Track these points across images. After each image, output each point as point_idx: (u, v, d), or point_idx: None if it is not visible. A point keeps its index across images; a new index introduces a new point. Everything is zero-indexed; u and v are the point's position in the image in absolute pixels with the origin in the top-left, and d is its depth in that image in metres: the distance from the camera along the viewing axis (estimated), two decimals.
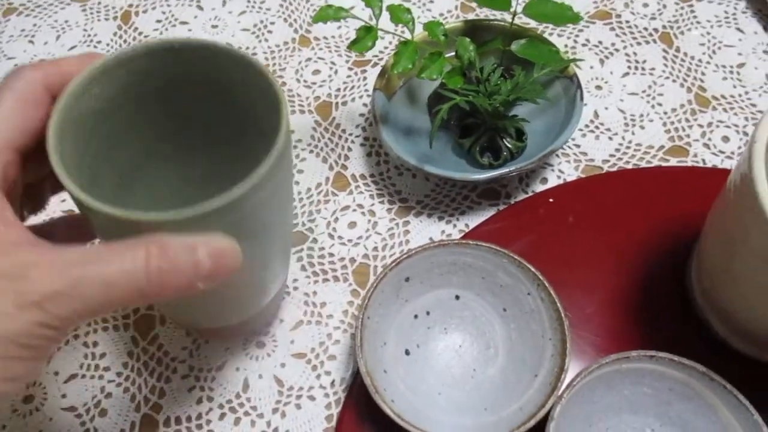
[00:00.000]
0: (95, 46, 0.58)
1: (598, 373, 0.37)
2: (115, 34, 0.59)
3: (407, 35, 0.44)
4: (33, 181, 0.31)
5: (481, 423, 0.38)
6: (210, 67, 0.33)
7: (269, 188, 0.29)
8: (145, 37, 0.58)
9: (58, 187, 0.32)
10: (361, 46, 0.41)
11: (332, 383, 0.42)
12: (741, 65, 0.54)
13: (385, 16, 0.44)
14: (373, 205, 0.49)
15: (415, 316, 0.42)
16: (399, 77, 0.49)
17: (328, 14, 0.41)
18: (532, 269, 0.40)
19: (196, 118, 0.36)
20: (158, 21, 0.59)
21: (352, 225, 0.48)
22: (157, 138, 0.36)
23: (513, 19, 0.46)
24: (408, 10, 0.44)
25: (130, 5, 0.60)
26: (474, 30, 0.50)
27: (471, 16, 0.58)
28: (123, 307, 0.27)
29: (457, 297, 0.42)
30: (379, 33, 0.43)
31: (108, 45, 0.58)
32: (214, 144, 0.38)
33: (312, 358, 0.43)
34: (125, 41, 0.58)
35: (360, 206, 0.49)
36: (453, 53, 0.47)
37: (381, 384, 0.37)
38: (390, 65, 0.43)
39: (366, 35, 0.42)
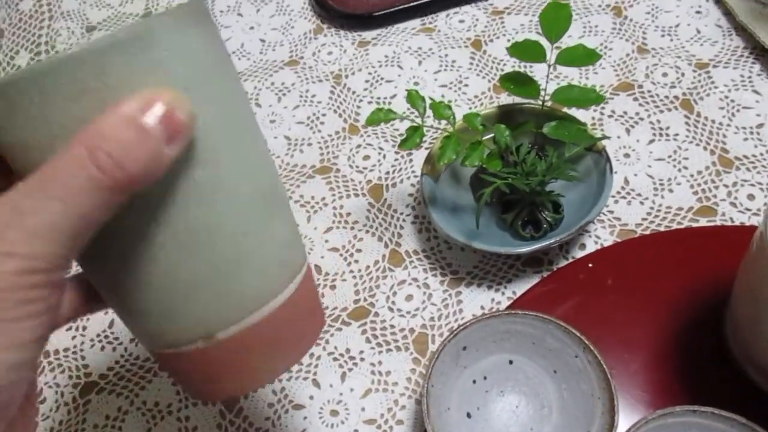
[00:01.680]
0: None
1: (645, 429, 0.41)
2: None
3: (445, 125, 0.50)
4: None
5: None
6: None
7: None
8: None
9: None
10: (410, 144, 0.47)
11: None
12: (760, 125, 0.58)
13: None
14: (427, 278, 0.54)
15: (474, 381, 0.46)
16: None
17: (379, 117, 0.47)
18: (578, 334, 0.44)
19: None
20: None
21: (409, 298, 0.53)
22: None
23: (543, 105, 0.52)
24: (448, 106, 0.50)
25: None
26: (507, 113, 0.55)
27: (503, 96, 0.63)
28: (106, 217, 0.23)
29: (511, 362, 0.47)
30: (425, 128, 0.49)
31: None
32: None
33: (382, 424, 0.48)
34: None
35: (415, 280, 0.54)
36: (490, 135, 0.53)
37: None
38: (436, 157, 0.49)
39: (414, 134, 0.47)
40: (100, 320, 0.55)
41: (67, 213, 0.22)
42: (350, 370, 0.50)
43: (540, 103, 0.52)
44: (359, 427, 0.48)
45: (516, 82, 0.52)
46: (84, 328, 0.55)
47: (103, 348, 0.54)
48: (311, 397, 0.49)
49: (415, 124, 0.48)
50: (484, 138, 0.52)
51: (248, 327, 0.27)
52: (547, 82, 0.51)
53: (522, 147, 0.51)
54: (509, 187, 0.50)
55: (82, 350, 0.54)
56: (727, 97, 0.60)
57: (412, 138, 0.47)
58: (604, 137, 0.52)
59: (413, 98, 0.48)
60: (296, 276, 0.29)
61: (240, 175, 0.26)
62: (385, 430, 0.47)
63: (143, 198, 0.24)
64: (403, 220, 0.57)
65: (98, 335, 0.55)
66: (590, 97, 0.51)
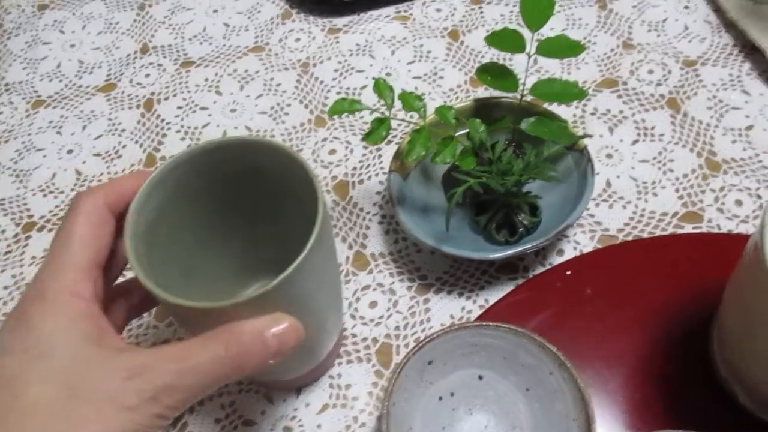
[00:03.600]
0: (120, 134, 0.61)
1: None
2: (138, 121, 0.61)
3: (416, 118, 0.46)
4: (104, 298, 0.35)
5: None
6: (246, 158, 0.38)
7: (311, 268, 0.33)
8: (167, 123, 0.61)
9: (134, 312, 0.38)
10: (376, 137, 0.43)
11: None
12: (749, 127, 0.55)
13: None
14: (393, 283, 0.50)
15: (440, 398, 0.42)
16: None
17: (342, 107, 0.43)
18: (553, 349, 0.40)
19: (241, 203, 0.41)
20: (179, 107, 0.62)
21: (373, 304, 0.49)
22: (209, 226, 0.41)
23: (521, 100, 0.48)
24: (419, 97, 0.46)
25: (152, 93, 0.63)
26: (483, 108, 0.51)
27: (480, 90, 0.59)
28: (213, 389, 0.32)
29: (480, 377, 0.43)
30: (393, 121, 0.45)
31: (132, 133, 0.61)
32: (260, 224, 0.43)
33: None
34: (148, 128, 0.61)
35: (380, 285, 0.50)
36: (464, 131, 0.49)
37: None
38: (405, 152, 0.45)
39: (379, 126, 0.43)
40: None
41: (201, 384, 0.30)
42: (307, 384, 0.46)
43: (518, 97, 0.48)
44: None
45: (493, 74, 0.48)
46: None
47: None
48: (263, 413, 0.45)
49: (381, 116, 0.44)
50: (457, 134, 0.48)
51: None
52: (526, 74, 0.48)
53: (498, 144, 0.47)
54: (483, 187, 0.46)
55: None
56: (715, 97, 0.57)
57: (377, 130, 0.43)
58: (586, 136, 0.48)
59: (380, 87, 0.44)
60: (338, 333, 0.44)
61: (323, 303, 0.38)
62: None
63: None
64: (369, 220, 0.53)
65: None
66: (572, 92, 0.47)
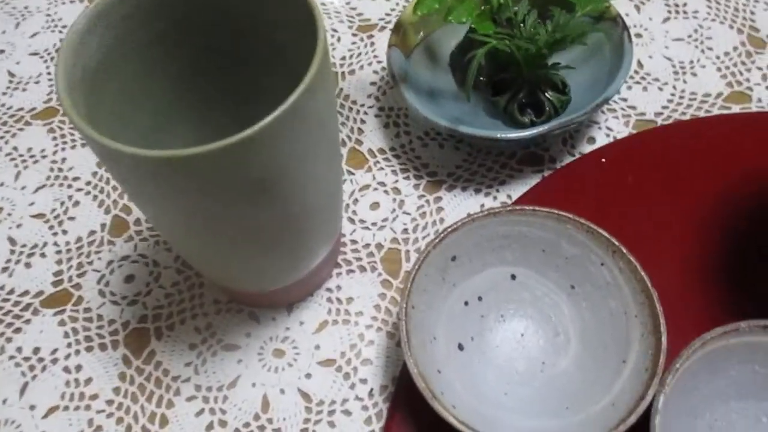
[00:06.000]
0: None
1: (701, 352, 0.30)
2: None
3: None
4: None
5: (565, 424, 0.31)
6: None
7: (305, 117, 0.26)
8: None
9: None
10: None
11: (370, 393, 0.35)
12: None
13: None
14: (396, 181, 0.42)
15: (466, 303, 0.35)
16: (416, 33, 0.42)
17: None
18: (606, 234, 0.33)
19: (212, 58, 0.33)
20: None
21: (375, 206, 0.41)
22: (176, 89, 0.33)
23: None
24: None
25: None
26: None
27: None
28: None
29: (513, 276, 0.35)
30: None
31: None
32: (237, 88, 0.34)
33: (343, 365, 0.36)
34: None
35: (382, 184, 0.42)
36: None
37: (437, 387, 0.30)
38: (413, 6, 0.36)
39: None
40: None
41: None
42: (299, 299, 0.38)
43: None
44: (312, 369, 0.36)
45: None
46: None
47: None
48: (248, 335, 0.37)
49: None
50: None
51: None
52: None
53: (521, 7, 0.39)
54: (503, 59, 0.38)
55: None
56: None
57: None
58: None
59: None
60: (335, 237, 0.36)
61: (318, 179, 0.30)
62: (348, 373, 0.36)
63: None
64: (365, 113, 0.45)
65: None
66: None
